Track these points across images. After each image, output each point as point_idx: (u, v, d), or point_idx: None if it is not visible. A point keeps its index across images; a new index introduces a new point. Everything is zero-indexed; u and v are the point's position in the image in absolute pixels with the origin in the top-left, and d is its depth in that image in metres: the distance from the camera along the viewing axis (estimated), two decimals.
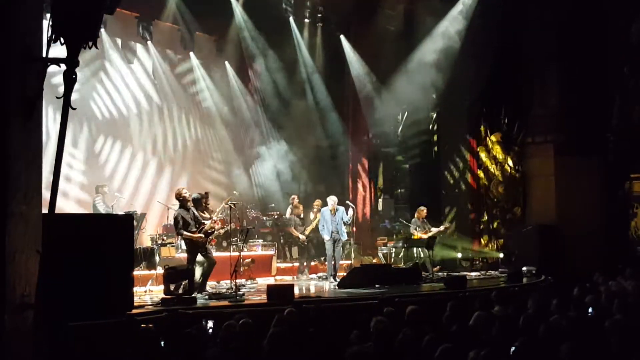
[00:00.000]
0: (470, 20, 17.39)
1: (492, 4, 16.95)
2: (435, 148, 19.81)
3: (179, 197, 11.78)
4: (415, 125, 19.96)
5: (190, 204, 11.74)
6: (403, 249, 16.18)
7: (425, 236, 15.39)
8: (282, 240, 16.34)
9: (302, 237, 15.18)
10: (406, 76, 17.74)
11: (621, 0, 15.94)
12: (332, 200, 14.25)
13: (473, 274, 16.06)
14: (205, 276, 11.68)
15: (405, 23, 18.29)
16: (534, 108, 17.61)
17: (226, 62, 18.40)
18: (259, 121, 18.84)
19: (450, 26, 17.55)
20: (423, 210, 15.88)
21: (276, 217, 16.71)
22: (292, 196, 16.59)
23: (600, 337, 6.34)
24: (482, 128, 18.56)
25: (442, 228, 15.97)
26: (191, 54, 17.44)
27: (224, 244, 14.44)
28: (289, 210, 16.08)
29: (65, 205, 13.67)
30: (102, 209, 13.51)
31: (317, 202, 15.68)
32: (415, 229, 15.63)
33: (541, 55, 17.01)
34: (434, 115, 19.58)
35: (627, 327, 6.26)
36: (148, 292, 11.96)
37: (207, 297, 11.08)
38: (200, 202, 12.24)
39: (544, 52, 16.93)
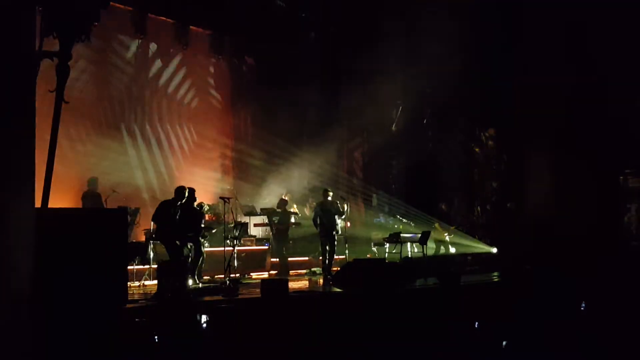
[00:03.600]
0: (466, 17, 17.37)
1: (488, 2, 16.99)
2: (430, 144, 19.83)
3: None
4: (410, 121, 19.98)
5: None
6: (397, 244, 16.19)
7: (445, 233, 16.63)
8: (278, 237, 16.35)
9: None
10: (401, 72, 17.73)
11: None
12: (327, 194, 14.23)
13: (467, 269, 16.07)
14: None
15: (401, 20, 18.27)
16: (530, 103, 17.61)
17: (220, 57, 18.40)
18: (254, 115, 18.83)
19: (445, 23, 17.52)
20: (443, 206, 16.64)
21: (271, 212, 16.69)
22: (286, 194, 16.62)
23: (592, 330, 6.39)
24: (477, 123, 18.60)
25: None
26: (184, 48, 17.42)
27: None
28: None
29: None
30: (89, 203, 13.54)
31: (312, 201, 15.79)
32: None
33: (537, 49, 17.01)
34: (429, 111, 19.59)
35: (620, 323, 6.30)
36: (142, 286, 11.95)
37: (201, 291, 11.09)
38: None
39: (540, 46, 16.93)
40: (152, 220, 11.86)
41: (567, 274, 12.39)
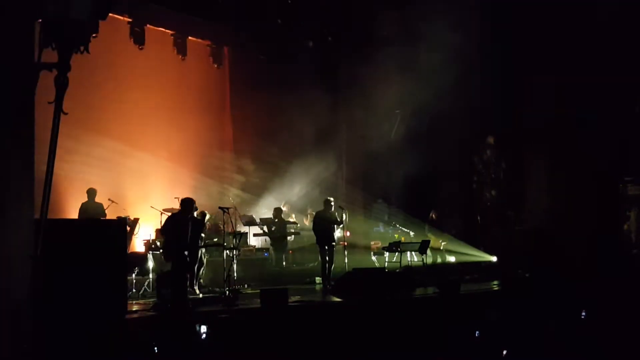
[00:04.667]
0: (465, 26, 17.38)
1: (486, 11, 17.00)
2: (429, 152, 19.78)
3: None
4: (410, 129, 19.95)
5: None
6: (397, 253, 16.18)
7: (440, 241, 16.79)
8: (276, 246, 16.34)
9: None
10: (400, 80, 17.72)
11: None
12: (329, 203, 14.23)
13: (466, 277, 16.04)
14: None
15: (400, 28, 18.28)
16: (529, 111, 17.62)
17: (219, 67, 18.46)
18: (253, 125, 18.85)
19: (445, 31, 17.53)
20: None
21: (270, 222, 16.70)
22: (284, 204, 16.63)
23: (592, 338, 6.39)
24: (476, 131, 18.61)
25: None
26: (183, 58, 17.48)
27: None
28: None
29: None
30: (89, 214, 13.59)
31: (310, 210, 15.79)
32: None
33: (537, 59, 17.03)
34: (428, 119, 19.55)
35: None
36: (141, 297, 11.93)
37: (200, 301, 11.08)
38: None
39: (539, 55, 16.95)
40: (162, 233, 11.75)
41: (567, 282, 12.38)
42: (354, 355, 8.56)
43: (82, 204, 14.08)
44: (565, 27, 16.36)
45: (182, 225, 11.36)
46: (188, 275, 11.55)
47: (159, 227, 14.72)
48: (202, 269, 12.50)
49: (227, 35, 18.12)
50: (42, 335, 6.66)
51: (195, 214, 12.24)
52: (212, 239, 13.85)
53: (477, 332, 7.86)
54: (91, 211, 13.80)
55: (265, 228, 16.56)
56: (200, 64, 18.34)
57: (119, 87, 16.33)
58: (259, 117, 18.76)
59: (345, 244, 15.34)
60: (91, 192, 14.22)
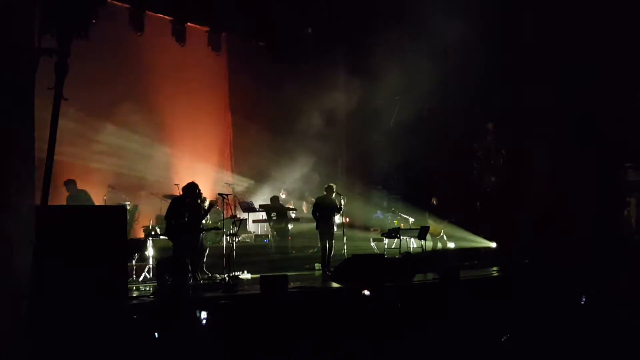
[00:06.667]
0: (465, 12, 17.32)
1: None
2: (429, 138, 19.78)
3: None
4: (409, 116, 19.93)
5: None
6: (396, 239, 16.21)
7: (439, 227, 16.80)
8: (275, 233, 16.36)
9: None
10: (400, 67, 17.68)
11: None
12: (331, 189, 14.24)
13: (466, 263, 16.08)
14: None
15: (399, 14, 18.22)
16: (529, 97, 17.59)
17: (217, 54, 18.41)
18: (252, 112, 18.83)
19: (446, 17, 17.48)
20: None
21: (270, 208, 16.71)
22: (283, 191, 16.61)
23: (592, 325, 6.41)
24: (476, 118, 18.59)
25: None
26: (182, 44, 17.45)
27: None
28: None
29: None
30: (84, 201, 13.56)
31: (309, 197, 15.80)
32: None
33: (537, 44, 16.98)
34: (428, 106, 19.55)
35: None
36: (142, 283, 11.94)
37: (200, 287, 11.10)
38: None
39: (539, 40, 16.91)
40: (165, 218, 11.81)
41: (567, 268, 12.41)
42: (353, 342, 8.59)
43: (68, 197, 13.90)
44: (566, 12, 16.33)
45: (182, 207, 11.46)
46: (189, 261, 11.57)
47: (159, 213, 14.77)
48: (204, 255, 12.50)
49: (225, 22, 18.05)
50: (41, 321, 6.68)
51: (206, 202, 12.31)
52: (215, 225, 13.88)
53: (476, 318, 7.87)
54: (79, 201, 13.70)
55: (265, 215, 16.58)
56: (198, 50, 18.29)
57: (117, 73, 16.28)
58: (258, 104, 18.76)
59: (344, 230, 15.34)
60: (70, 183, 13.91)
